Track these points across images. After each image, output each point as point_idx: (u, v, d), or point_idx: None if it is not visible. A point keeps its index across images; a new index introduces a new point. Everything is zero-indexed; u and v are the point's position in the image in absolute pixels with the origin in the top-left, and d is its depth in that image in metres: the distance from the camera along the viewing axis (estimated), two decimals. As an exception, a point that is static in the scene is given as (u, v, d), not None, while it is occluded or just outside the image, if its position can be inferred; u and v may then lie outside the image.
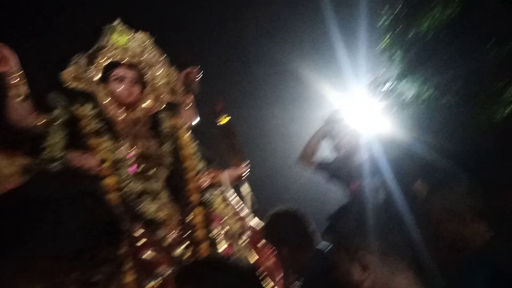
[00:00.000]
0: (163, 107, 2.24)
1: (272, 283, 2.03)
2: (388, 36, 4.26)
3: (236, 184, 2.25)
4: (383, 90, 4.29)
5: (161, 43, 2.34)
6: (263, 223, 2.33)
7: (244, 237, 2.10)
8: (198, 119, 2.36)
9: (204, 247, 1.95)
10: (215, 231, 2.02)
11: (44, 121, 1.93)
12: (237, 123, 2.32)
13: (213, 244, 1.98)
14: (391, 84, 4.30)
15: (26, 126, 1.91)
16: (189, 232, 1.98)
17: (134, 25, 2.26)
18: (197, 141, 2.27)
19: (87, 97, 2.07)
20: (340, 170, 2.83)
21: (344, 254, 1.24)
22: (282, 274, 2.09)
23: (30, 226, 0.79)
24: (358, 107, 3.84)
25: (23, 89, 1.91)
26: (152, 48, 2.29)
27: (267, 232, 2.30)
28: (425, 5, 4.00)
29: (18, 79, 1.89)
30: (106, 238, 0.84)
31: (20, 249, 0.78)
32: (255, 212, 2.26)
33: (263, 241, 2.18)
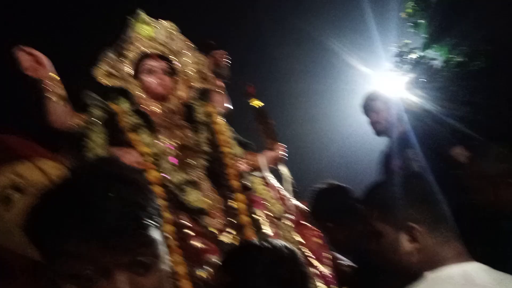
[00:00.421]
0: (195, 95, 2.24)
1: (318, 263, 2.05)
2: (411, 2, 4.06)
3: (274, 166, 2.25)
4: (410, 59, 4.12)
5: (186, 30, 2.32)
6: (307, 202, 2.35)
7: (287, 218, 2.11)
8: (230, 103, 2.35)
9: (248, 231, 1.97)
10: (258, 215, 2.04)
11: (83, 121, 1.97)
12: (269, 103, 2.30)
13: (257, 227, 2.00)
14: (418, 53, 4.12)
15: (66, 127, 1.95)
16: (232, 217, 2.00)
17: (156, 14, 2.24)
18: (232, 126, 2.27)
19: (121, 92, 2.09)
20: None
21: (391, 225, 1.25)
22: (328, 253, 2.10)
23: (78, 210, 0.82)
24: (388, 79, 3.77)
25: (60, 91, 1.95)
26: (178, 35, 2.28)
27: (312, 209, 2.31)
28: None
29: (54, 82, 1.93)
30: (150, 221, 0.85)
31: (71, 233, 0.81)
32: (295, 192, 2.26)
33: (307, 220, 2.19)
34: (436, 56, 4.05)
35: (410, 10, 4.09)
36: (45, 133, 1.91)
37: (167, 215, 1.80)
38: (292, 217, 2.14)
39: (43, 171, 1.52)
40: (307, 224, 2.16)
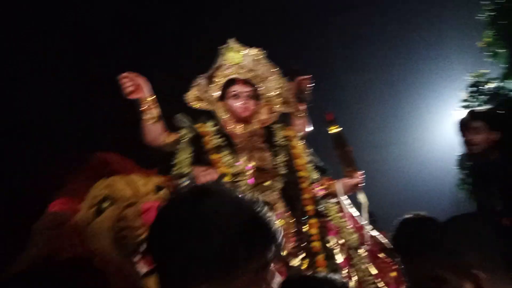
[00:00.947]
0: (276, 118, 2.32)
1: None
2: (489, 31, 3.69)
3: (351, 193, 2.21)
4: (487, 90, 3.75)
5: (270, 56, 2.43)
6: (385, 232, 2.26)
7: (362, 249, 2.06)
8: (311, 127, 2.39)
9: (320, 258, 1.96)
10: (331, 242, 2.02)
11: (173, 140, 2.16)
12: (345, 129, 2.29)
13: (329, 255, 1.98)
14: (497, 85, 3.73)
15: (158, 145, 2.17)
16: (305, 243, 2.01)
17: (245, 41, 2.38)
18: (310, 151, 2.29)
19: (209, 115, 2.26)
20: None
21: (454, 270, 1.16)
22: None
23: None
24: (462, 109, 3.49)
25: (156, 112, 2.17)
26: (264, 62, 2.39)
27: (394, 241, 2.20)
28: None
29: (151, 103, 2.16)
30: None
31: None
32: (373, 222, 2.19)
33: (384, 252, 2.11)
34: None
35: (489, 39, 3.74)
36: (141, 152, 2.14)
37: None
38: (368, 247, 2.07)
39: (133, 186, 1.71)
40: (384, 256, 2.08)
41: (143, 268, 1.57)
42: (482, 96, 3.76)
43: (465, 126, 2.81)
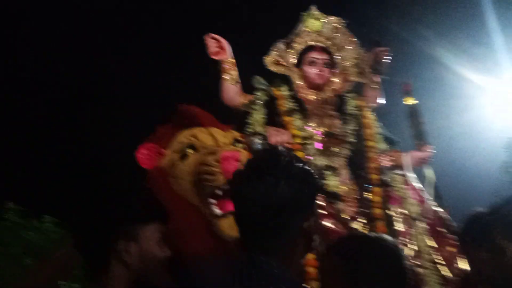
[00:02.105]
0: (350, 87, 2.37)
1: (447, 270, 1.99)
2: None
3: (419, 167, 2.23)
4: None
5: (353, 24, 2.45)
6: (447, 209, 2.25)
7: (423, 221, 2.10)
8: (383, 100, 2.40)
9: (381, 224, 2.04)
10: (393, 211, 2.08)
11: (249, 101, 2.30)
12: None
13: (389, 223, 2.05)
14: None
15: (235, 105, 2.32)
16: (366, 209, 2.09)
17: (327, 11, 2.42)
18: (381, 123, 2.33)
19: (284, 79, 2.36)
20: None
21: None
22: (459, 264, 2.01)
23: None
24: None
25: (235, 73, 2.31)
26: (343, 31, 2.42)
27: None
28: None
29: (231, 65, 2.30)
30: None
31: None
32: (438, 198, 2.20)
33: (444, 227, 2.13)
34: None
35: None
36: (220, 108, 2.30)
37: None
38: (428, 220, 2.10)
39: (214, 137, 1.89)
40: (444, 231, 2.10)
41: (217, 211, 1.76)
42: None
43: None
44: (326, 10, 2.43)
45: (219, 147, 1.81)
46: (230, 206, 1.72)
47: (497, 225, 1.26)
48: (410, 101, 2.16)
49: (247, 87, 2.35)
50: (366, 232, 2.00)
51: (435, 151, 2.20)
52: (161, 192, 1.82)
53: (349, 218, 2.07)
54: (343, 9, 2.49)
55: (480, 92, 3.69)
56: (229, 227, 1.69)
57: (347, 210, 2.09)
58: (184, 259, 1.68)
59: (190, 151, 1.83)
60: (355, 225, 2.06)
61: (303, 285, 1.76)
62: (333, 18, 2.43)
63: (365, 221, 2.07)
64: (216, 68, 2.32)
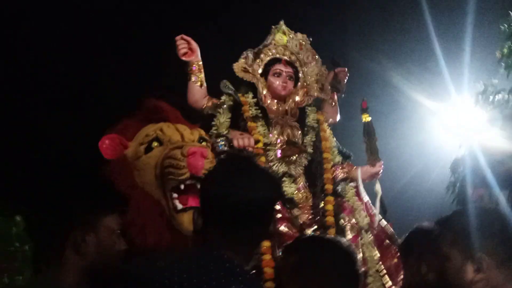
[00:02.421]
0: (310, 102, 2.49)
1: (390, 282, 2.12)
2: (509, 43, 3.77)
3: (369, 181, 2.38)
4: (493, 100, 3.83)
5: (316, 44, 2.60)
6: (392, 223, 2.40)
7: (370, 233, 2.22)
8: (339, 116, 2.55)
9: (331, 232, 2.14)
10: (343, 220, 2.19)
11: (214, 104, 2.35)
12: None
13: (340, 231, 2.16)
14: (503, 96, 3.82)
15: (200, 107, 2.35)
16: (320, 216, 2.19)
17: (294, 27, 2.55)
18: (337, 137, 2.46)
19: (250, 86, 2.43)
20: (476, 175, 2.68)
21: (460, 251, 1.27)
22: (402, 276, 2.15)
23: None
24: (463, 116, 3.59)
25: (201, 76, 2.36)
26: (308, 48, 2.56)
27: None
28: None
29: (198, 67, 2.35)
30: None
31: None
32: (384, 212, 2.35)
33: (388, 240, 2.27)
34: None
35: (505, 50, 3.82)
36: (188, 108, 2.32)
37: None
38: (376, 233, 2.24)
39: (181, 132, 1.90)
40: (388, 243, 2.25)
41: (179, 205, 1.77)
42: (488, 105, 3.85)
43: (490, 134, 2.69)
44: (294, 28, 2.57)
45: (185, 142, 1.83)
46: (192, 201, 1.75)
47: (446, 234, 1.34)
48: (365, 118, 2.31)
49: (213, 91, 2.40)
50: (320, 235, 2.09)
51: (384, 168, 2.35)
52: (123, 184, 1.80)
53: (303, 224, 2.15)
54: (308, 30, 2.63)
55: (430, 115, 4.00)
56: (188, 222, 1.69)
57: (302, 216, 2.18)
58: (140, 251, 1.67)
59: (155, 144, 1.84)
60: (309, 231, 2.14)
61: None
62: (299, 35, 2.57)
63: (317, 228, 2.16)
64: (184, 69, 2.36)
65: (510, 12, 3.91)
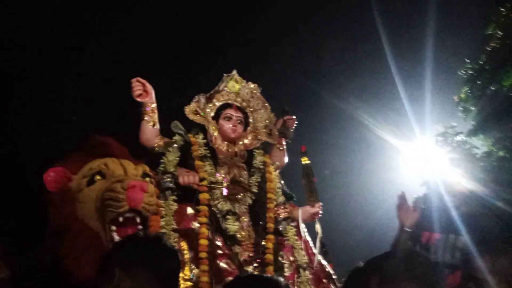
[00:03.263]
0: (258, 145, 2.64)
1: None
2: (466, 88, 4.13)
3: (309, 221, 2.48)
4: (452, 142, 4.12)
5: (265, 93, 2.79)
6: (332, 264, 2.48)
7: (308, 272, 2.30)
8: (286, 161, 2.70)
9: (270, 270, 2.20)
10: (282, 258, 2.27)
11: (165, 143, 2.45)
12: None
13: (279, 268, 2.23)
14: (463, 138, 4.13)
15: (151, 146, 2.45)
16: (260, 254, 2.26)
17: (246, 76, 2.75)
18: (281, 179, 2.59)
19: (200, 128, 2.56)
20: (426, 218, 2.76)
21: None
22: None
23: None
24: (425, 156, 3.82)
25: (154, 117, 2.48)
26: (258, 96, 2.74)
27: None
28: (511, 62, 3.84)
29: (152, 108, 2.47)
30: None
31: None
32: (324, 252, 2.44)
33: (326, 280, 2.34)
34: (478, 145, 4.03)
35: (463, 95, 4.15)
36: (136, 145, 2.42)
37: (204, 230, 2.14)
38: (314, 271, 2.31)
39: (124, 167, 1.99)
40: (327, 282, 2.32)
41: (117, 237, 1.82)
42: (447, 147, 4.09)
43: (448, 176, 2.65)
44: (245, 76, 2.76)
45: (128, 176, 1.91)
46: (129, 233, 1.80)
47: (372, 276, 1.38)
48: (304, 160, 2.46)
49: (165, 131, 2.51)
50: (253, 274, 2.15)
51: (324, 208, 2.47)
52: (62, 214, 1.84)
53: (244, 261, 2.21)
54: (269, 75, 2.83)
55: (396, 153, 4.20)
56: (125, 255, 1.74)
57: (243, 253, 2.24)
58: (74, 282, 1.69)
59: (98, 177, 1.91)
60: (248, 268, 2.20)
61: None
62: (251, 84, 2.75)
63: (257, 265, 2.22)
64: (137, 108, 2.47)
65: (466, 60, 4.29)
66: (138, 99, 2.44)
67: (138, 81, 2.45)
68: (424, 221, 2.70)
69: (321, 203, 2.46)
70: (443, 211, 2.62)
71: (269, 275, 1.85)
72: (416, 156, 4.16)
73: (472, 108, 4.12)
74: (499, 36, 3.99)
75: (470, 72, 4.12)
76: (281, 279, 1.56)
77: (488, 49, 4.05)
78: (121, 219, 1.81)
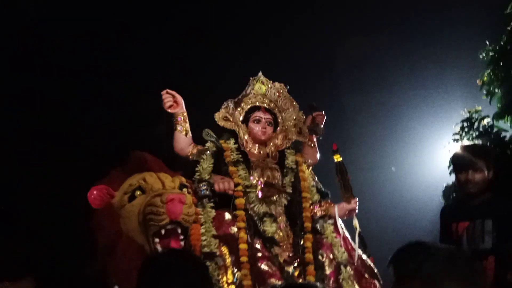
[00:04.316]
0: (289, 144, 2.66)
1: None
2: (488, 70, 3.96)
3: (347, 217, 2.49)
4: (478, 127, 3.97)
5: (294, 90, 2.80)
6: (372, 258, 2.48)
7: (349, 268, 2.32)
8: (318, 157, 2.71)
9: (311, 268, 2.24)
10: (322, 257, 2.30)
11: (198, 151, 2.52)
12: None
13: (319, 267, 2.26)
14: (488, 122, 3.97)
15: (185, 154, 2.53)
16: (299, 254, 2.30)
17: (272, 77, 2.77)
18: (315, 176, 2.61)
19: (231, 133, 2.61)
20: (457, 209, 2.73)
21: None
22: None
23: None
24: (452, 144, 3.72)
25: (186, 126, 2.55)
26: (285, 95, 2.76)
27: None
28: None
29: (183, 118, 2.55)
30: None
31: None
32: (363, 247, 2.45)
33: (368, 275, 2.35)
34: (507, 128, 3.86)
35: (486, 78, 3.99)
36: (171, 157, 2.50)
37: (243, 235, 2.20)
38: (355, 267, 2.33)
39: (162, 181, 2.07)
40: (369, 277, 2.33)
41: (160, 249, 1.90)
42: (474, 132, 3.99)
43: (466, 163, 2.60)
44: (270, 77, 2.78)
45: (166, 190, 1.99)
46: (174, 244, 1.90)
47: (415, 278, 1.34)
48: (337, 158, 2.46)
49: (197, 139, 2.59)
50: (297, 276, 2.20)
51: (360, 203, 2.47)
52: (109, 231, 1.95)
53: (283, 262, 2.26)
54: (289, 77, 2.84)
55: (425, 143, 4.15)
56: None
57: (282, 254, 2.29)
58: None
59: (138, 193, 2.00)
60: (289, 268, 2.24)
61: None
62: (277, 84, 2.77)
63: (297, 265, 2.26)
64: (170, 120, 2.55)
65: (487, 42, 4.15)
66: (169, 110, 2.52)
67: (168, 92, 2.52)
68: (453, 212, 2.69)
69: (357, 199, 2.46)
70: (468, 198, 2.58)
71: (306, 281, 1.88)
72: (444, 144, 4.07)
73: (497, 90, 3.96)
74: None
75: (492, 53, 3.96)
76: (318, 284, 1.58)
77: (508, 28, 3.88)
78: (163, 231, 1.90)
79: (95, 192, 2.04)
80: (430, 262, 1.40)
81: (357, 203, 2.45)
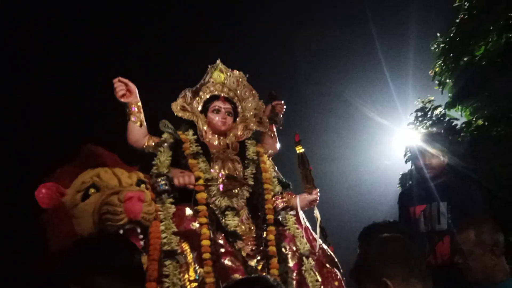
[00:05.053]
0: (250, 135, 2.60)
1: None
2: (439, 61, 4.19)
3: (308, 208, 2.49)
4: (431, 116, 4.22)
5: (253, 79, 2.73)
6: (333, 247, 2.51)
7: (311, 258, 2.32)
8: (278, 147, 2.67)
9: (274, 261, 2.22)
10: (285, 249, 2.28)
11: (155, 143, 2.39)
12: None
13: (282, 260, 2.24)
14: (441, 111, 4.23)
15: (140, 147, 2.39)
16: (263, 247, 2.27)
17: (231, 64, 2.67)
18: (275, 167, 2.58)
19: (190, 124, 2.51)
20: (415, 193, 2.82)
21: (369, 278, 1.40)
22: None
23: None
24: (406, 132, 3.91)
25: (141, 116, 2.41)
26: (245, 84, 2.68)
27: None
28: (480, 32, 3.85)
29: (137, 108, 2.40)
30: None
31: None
32: (324, 237, 2.47)
33: (329, 264, 2.37)
34: (458, 116, 4.14)
35: (438, 69, 4.23)
36: (126, 150, 2.36)
37: (205, 231, 2.13)
38: (317, 257, 2.34)
39: (118, 177, 1.94)
40: (330, 267, 2.35)
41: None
42: (428, 121, 4.20)
43: (423, 149, 2.69)
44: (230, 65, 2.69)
45: (123, 187, 1.86)
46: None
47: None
48: (299, 149, 2.44)
49: (154, 130, 2.45)
50: (260, 269, 2.17)
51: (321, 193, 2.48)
52: (61, 232, 1.80)
53: (247, 256, 2.21)
54: (253, 63, 2.76)
55: (381, 130, 4.28)
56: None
57: (245, 248, 2.24)
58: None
59: (92, 191, 1.86)
60: (252, 262, 2.21)
61: None
62: (236, 72, 2.68)
63: (260, 258, 2.23)
64: (123, 110, 2.40)
65: (438, 34, 4.31)
66: (122, 100, 2.36)
67: (120, 81, 2.36)
68: (410, 196, 2.79)
69: (318, 190, 2.46)
70: (424, 182, 2.68)
71: (265, 275, 1.84)
72: (400, 133, 4.24)
73: (448, 80, 4.17)
74: (466, 7, 4.01)
75: (442, 45, 4.15)
76: (268, 276, 1.55)
77: (457, 21, 4.07)
78: (121, 231, 1.78)
79: (43, 190, 1.87)
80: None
81: (318, 194, 2.46)
